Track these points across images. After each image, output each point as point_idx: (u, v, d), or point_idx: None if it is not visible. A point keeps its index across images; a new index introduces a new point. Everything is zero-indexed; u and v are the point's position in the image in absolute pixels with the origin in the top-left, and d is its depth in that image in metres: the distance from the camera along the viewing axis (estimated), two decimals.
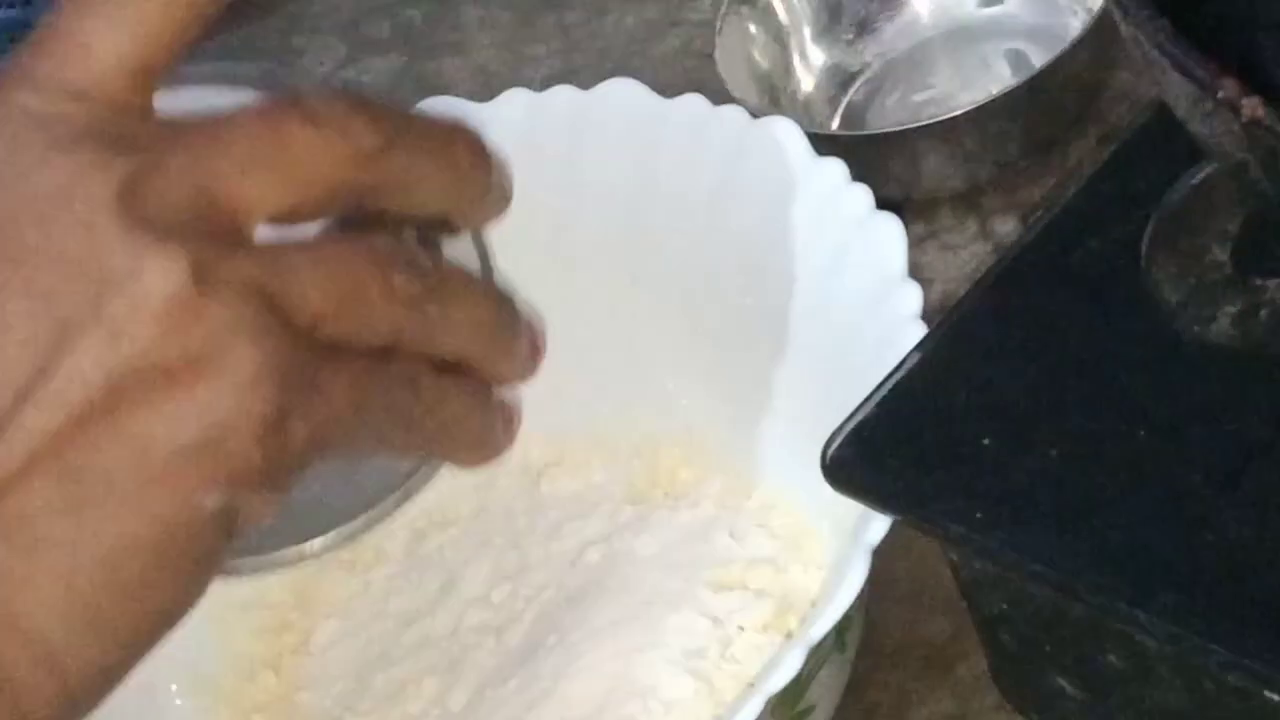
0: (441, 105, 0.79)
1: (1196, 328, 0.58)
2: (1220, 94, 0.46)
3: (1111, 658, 0.60)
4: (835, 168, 0.72)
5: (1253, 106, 0.46)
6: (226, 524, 0.43)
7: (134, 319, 0.41)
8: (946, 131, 0.83)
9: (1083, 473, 0.58)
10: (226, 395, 0.41)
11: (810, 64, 0.93)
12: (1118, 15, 0.50)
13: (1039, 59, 0.87)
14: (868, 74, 0.93)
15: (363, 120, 0.44)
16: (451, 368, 0.48)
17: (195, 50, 0.46)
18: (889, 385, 0.62)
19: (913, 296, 0.67)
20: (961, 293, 0.66)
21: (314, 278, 0.43)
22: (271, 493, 0.43)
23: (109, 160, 0.42)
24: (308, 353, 0.43)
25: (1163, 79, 0.49)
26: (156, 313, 0.41)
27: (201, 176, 0.42)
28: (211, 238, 0.42)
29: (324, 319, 0.43)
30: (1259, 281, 0.57)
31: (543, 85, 0.80)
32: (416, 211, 0.47)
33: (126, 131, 0.43)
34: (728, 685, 0.69)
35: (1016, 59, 0.90)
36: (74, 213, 0.42)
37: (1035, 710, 0.67)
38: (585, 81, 0.78)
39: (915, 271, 0.69)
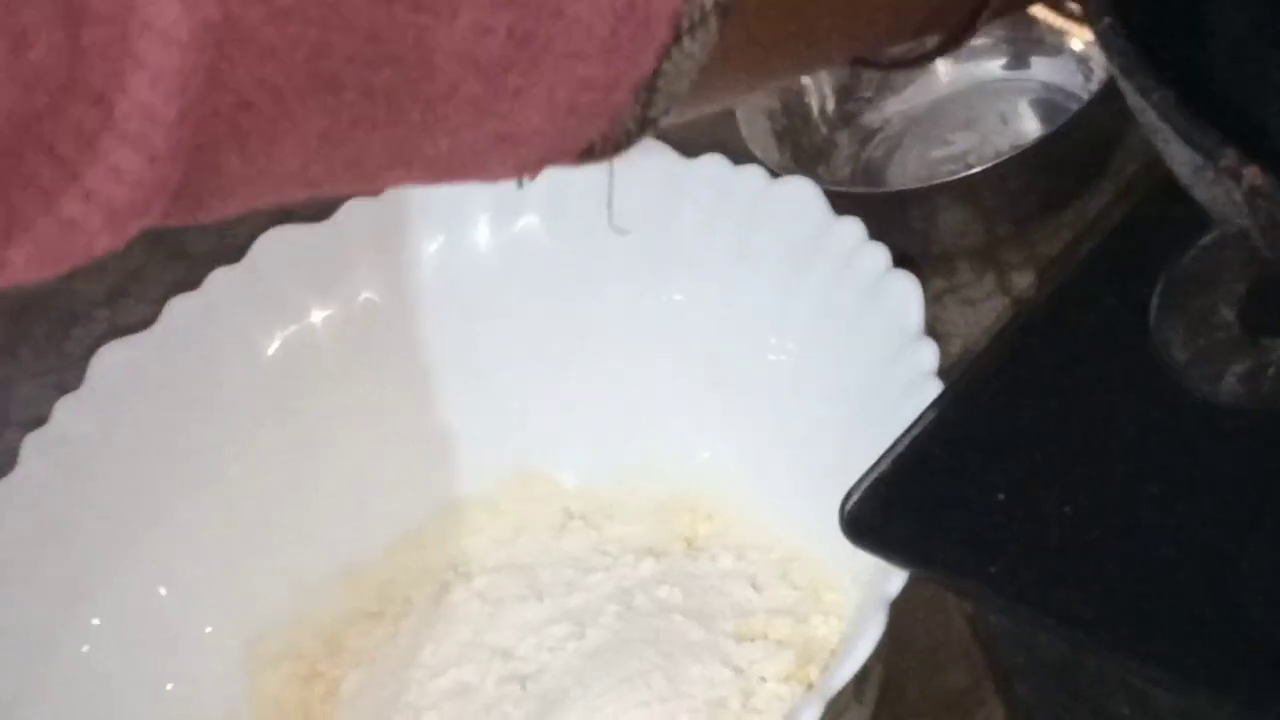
0: None
1: (1205, 387, 0.58)
2: (1221, 163, 0.47)
3: (1126, 710, 0.61)
4: (853, 227, 0.73)
5: (1253, 175, 0.47)
6: None
7: None
8: (965, 188, 0.84)
9: (1095, 528, 0.59)
10: None
11: (830, 120, 0.94)
12: (1121, 84, 0.51)
13: (1057, 117, 0.89)
14: (887, 131, 0.94)
15: None
16: None
17: None
18: (906, 441, 0.63)
19: (929, 353, 0.68)
20: (981, 346, 0.67)
21: None
22: None
23: None
24: None
25: (1166, 148, 0.50)
26: None
27: None
28: None
29: None
30: (1266, 341, 0.58)
31: None
32: None
33: None
34: None
35: (1034, 116, 0.91)
36: None
37: None
38: None
39: (934, 326, 0.70)
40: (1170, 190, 0.65)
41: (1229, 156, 0.47)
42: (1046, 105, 0.91)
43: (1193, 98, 0.50)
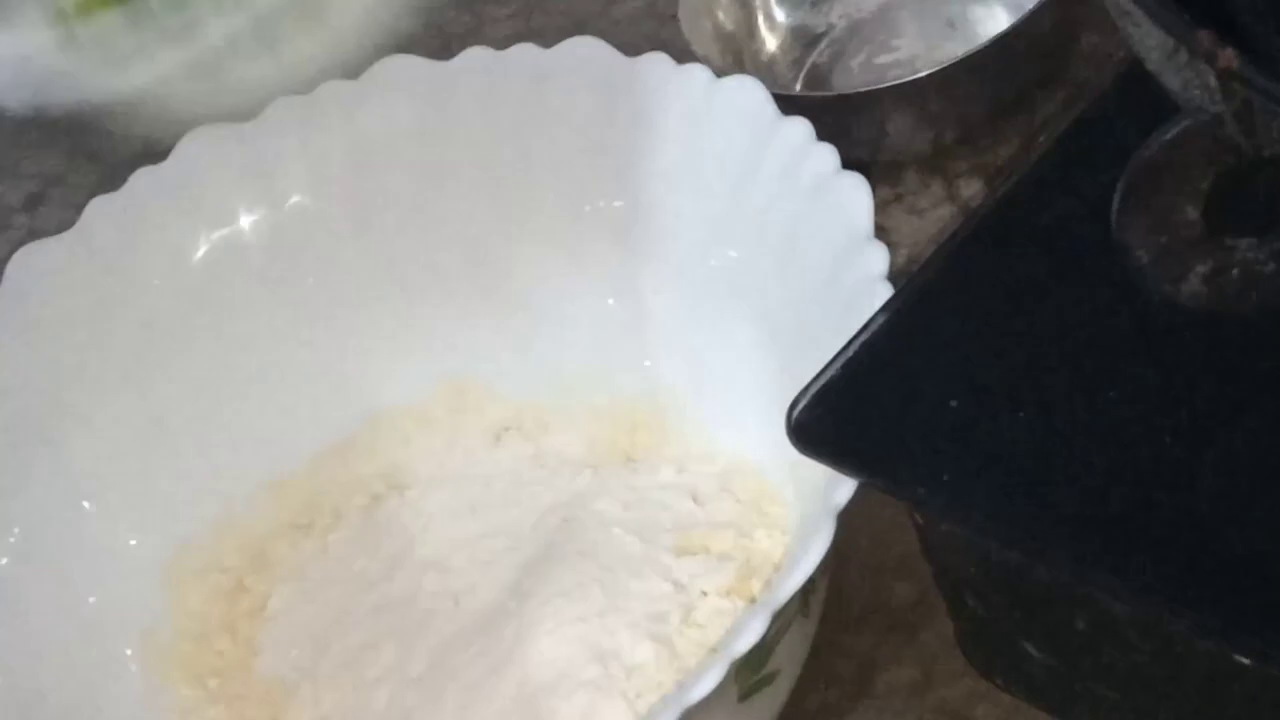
0: (401, 64, 0.78)
1: (1167, 287, 0.57)
2: (1195, 46, 0.46)
3: (1079, 622, 0.59)
4: (800, 127, 0.71)
5: (1228, 58, 0.45)
6: None
7: None
8: (912, 93, 0.82)
9: (1050, 435, 0.57)
10: None
11: (774, 25, 0.92)
12: None
13: (1005, 20, 0.87)
14: (832, 35, 0.92)
15: None
16: None
17: None
18: (855, 347, 0.61)
19: (879, 256, 0.66)
20: (928, 256, 0.66)
21: None
22: None
23: None
24: None
25: (1136, 32, 0.48)
26: None
27: None
28: None
29: None
30: (1230, 241, 0.57)
31: (503, 46, 0.78)
32: None
33: None
34: (690, 650, 0.68)
35: (983, 20, 0.89)
36: None
37: (1001, 675, 0.67)
38: (548, 41, 0.77)
39: (881, 235, 0.68)
40: (1127, 89, 0.64)
41: (1204, 40, 0.46)
42: (996, 8, 0.89)
43: None
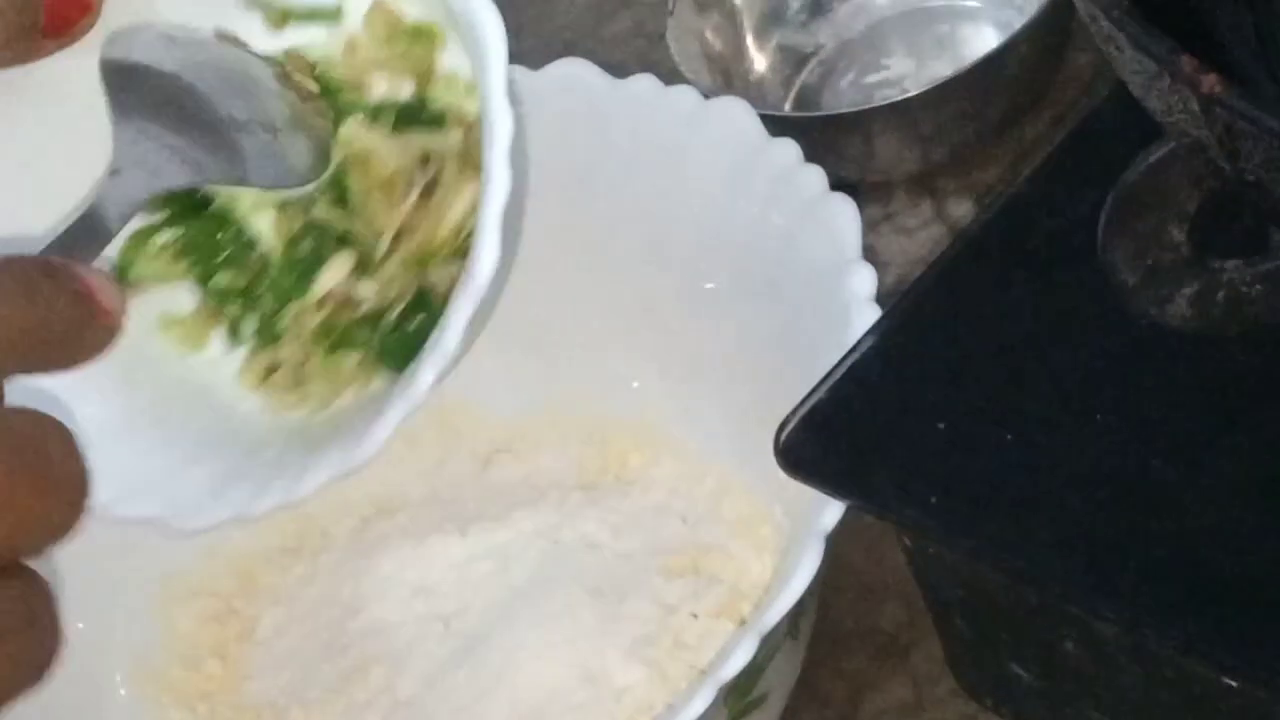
0: None
1: (1153, 310, 0.57)
2: (1178, 70, 0.45)
3: (1068, 644, 0.59)
4: (788, 148, 0.71)
5: (1210, 83, 0.45)
6: None
7: None
8: (901, 113, 0.83)
9: (1038, 457, 0.57)
10: None
11: (763, 45, 0.92)
12: None
13: (994, 40, 0.87)
14: (821, 55, 0.92)
15: None
16: None
17: None
18: (843, 369, 0.61)
19: (867, 278, 0.66)
20: (916, 276, 0.66)
21: None
22: None
23: None
24: None
25: (1119, 57, 0.48)
26: None
27: None
28: None
29: None
30: (1216, 263, 0.57)
31: None
32: None
33: None
34: (680, 673, 0.68)
35: (971, 40, 0.89)
36: None
37: (991, 697, 0.66)
38: (535, 62, 0.77)
39: (870, 255, 0.68)
40: (1114, 110, 0.64)
41: (1186, 64, 0.45)
42: (985, 29, 0.89)
43: (1145, 5, 0.48)
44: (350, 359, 0.58)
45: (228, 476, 0.55)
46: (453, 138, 0.58)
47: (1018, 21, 0.84)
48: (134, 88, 0.54)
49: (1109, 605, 0.54)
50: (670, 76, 0.77)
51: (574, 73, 0.76)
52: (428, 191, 0.58)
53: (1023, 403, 0.59)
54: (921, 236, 0.84)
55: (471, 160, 0.57)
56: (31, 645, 0.39)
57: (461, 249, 0.57)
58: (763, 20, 0.92)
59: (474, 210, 0.55)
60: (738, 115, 0.72)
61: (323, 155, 0.56)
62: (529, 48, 0.99)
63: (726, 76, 0.90)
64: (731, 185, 0.72)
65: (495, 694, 0.70)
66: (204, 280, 0.58)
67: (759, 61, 0.91)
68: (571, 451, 0.77)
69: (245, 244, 0.59)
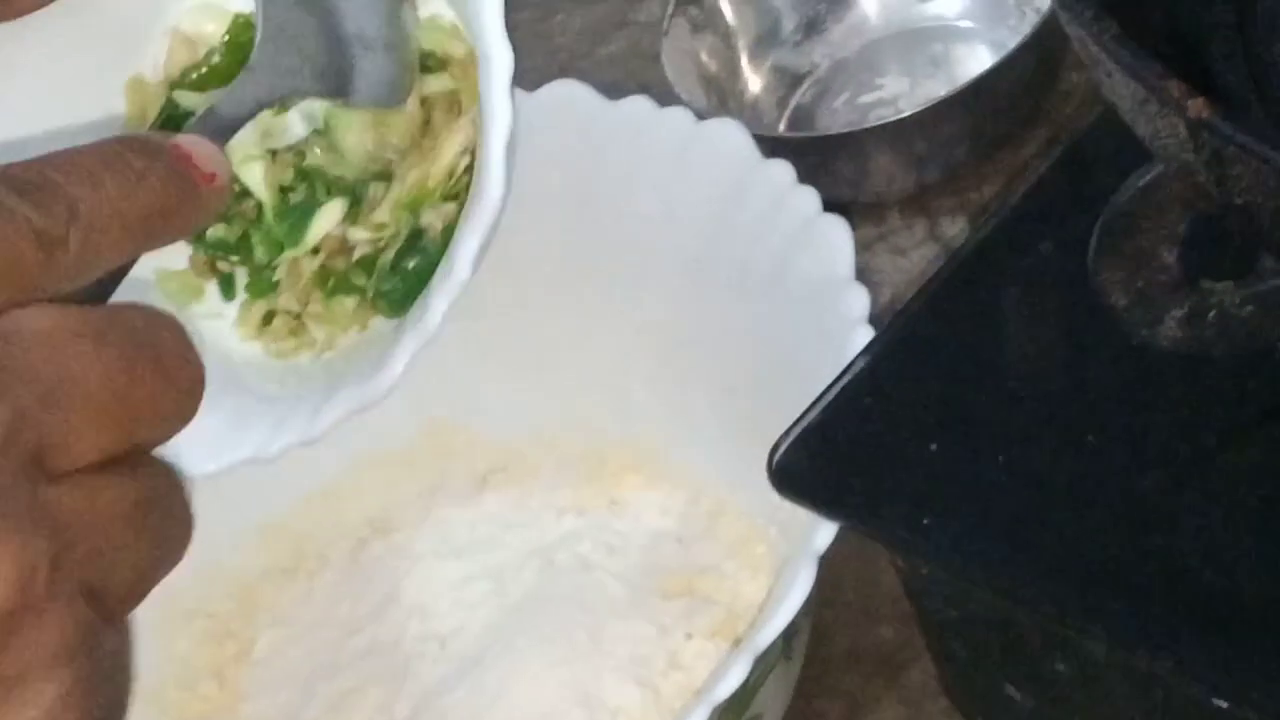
0: None
1: (1144, 331, 0.57)
2: (1166, 95, 0.46)
3: (1060, 665, 0.59)
4: (782, 169, 0.71)
5: (1198, 108, 0.45)
6: None
7: None
8: (895, 133, 0.83)
9: (1030, 478, 0.57)
10: None
11: (758, 65, 0.92)
12: (1063, 16, 0.49)
13: (988, 60, 0.87)
14: (816, 75, 0.92)
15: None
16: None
17: None
18: (836, 390, 0.61)
19: (860, 299, 0.66)
20: (911, 295, 0.66)
21: (131, 550, 0.38)
22: None
23: None
24: (112, 649, 0.38)
25: (1108, 80, 0.49)
26: None
27: (46, 433, 0.36)
28: (44, 521, 0.36)
29: (134, 596, 0.38)
30: (1206, 284, 0.57)
31: None
32: None
33: None
34: (674, 693, 0.68)
35: (965, 60, 0.89)
36: None
37: (984, 717, 0.67)
38: (531, 83, 0.77)
39: (864, 274, 0.68)
40: (1106, 131, 0.64)
41: (1174, 89, 0.46)
42: (979, 48, 0.89)
43: (1134, 30, 0.48)
44: (348, 303, 0.59)
45: (240, 420, 0.56)
46: (441, 81, 0.58)
47: (1011, 41, 0.84)
48: None
49: (1101, 626, 0.55)
50: (665, 97, 0.77)
51: (569, 94, 0.76)
52: (418, 135, 0.59)
53: (1014, 424, 0.59)
54: (915, 256, 0.84)
55: (458, 103, 0.58)
56: (171, 526, 0.39)
57: (453, 191, 0.58)
58: (757, 41, 0.92)
59: (464, 152, 0.57)
60: (732, 136, 0.72)
61: (410, 76, 0.57)
62: (525, 69, 0.98)
63: (721, 97, 0.90)
64: (725, 206, 0.72)
65: (491, 714, 0.70)
66: (197, 234, 0.59)
67: (754, 82, 0.92)
68: (566, 473, 0.78)
69: (238, 195, 0.59)
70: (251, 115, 0.52)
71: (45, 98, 0.58)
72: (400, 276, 0.58)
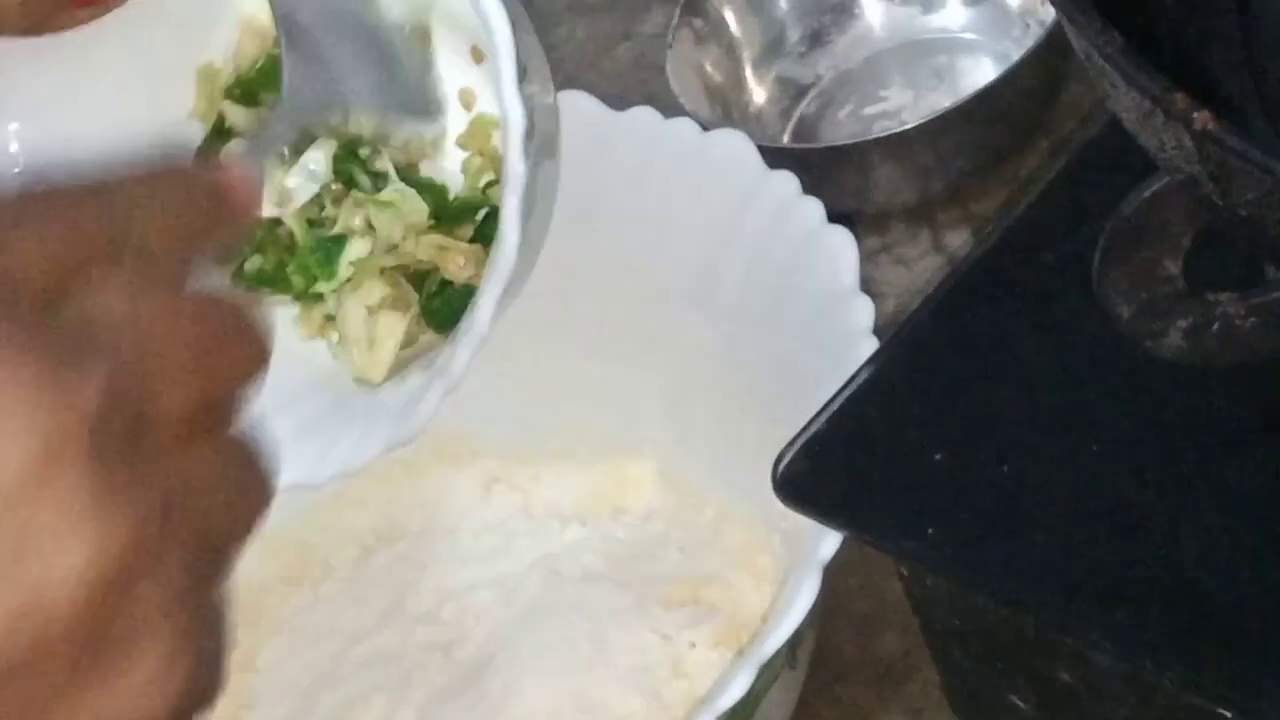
0: None
1: (1148, 342, 0.57)
2: (1170, 108, 0.46)
3: (1065, 675, 0.60)
4: (787, 180, 0.71)
5: (1203, 120, 0.45)
6: None
7: (55, 588, 0.35)
8: (899, 145, 0.83)
9: (1034, 488, 0.58)
10: (138, 691, 0.36)
11: (762, 77, 0.92)
12: (1068, 29, 0.49)
13: (991, 72, 0.87)
14: (820, 86, 0.92)
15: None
16: None
17: None
18: (840, 400, 0.61)
19: (865, 310, 0.66)
20: (915, 306, 0.66)
21: (228, 507, 0.38)
22: None
23: None
24: (216, 603, 0.38)
25: (1113, 92, 0.49)
26: (83, 585, 0.35)
27: (144, 397, 0.37)
28: (150, 481, 0.36)
29: (232, 548, 0.39)
30: (1211, 295, 0.57)
31: None
32: None
33: None
34: (678, 702, 0.68)
35: (969, 72, 0.90)
36: None
37: None
38: None
39: (868, 285, 0.69)
40: (1110, 142, 0.64)
41: (1179, 101, 0.46)
42: (983, 60, 0.90)
43: (1139, 42, 0.48)
44: (398, 320, 0.60)
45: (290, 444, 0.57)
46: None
47: (1015, 53, 0.85)
48: (302, 24, 0.56)
49: (1105, 636, 0.55)
50: (670, 108, 0.78)
51: (574, 104, 0.76)
52: None
53: (1019, 434, 0.59)
54: (919, 267, 0.84)
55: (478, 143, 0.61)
56: (254, 481, 0.40)
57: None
58: (762, 52, 0.92)
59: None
60: (737, 147, 0.73)
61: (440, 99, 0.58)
62: None
63: (725, 108, 0.90)
64: (730, 217, 0.72)
65: None
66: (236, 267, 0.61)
67: (758, 93, 0.92)
68: (570, 482, 0.78)
69: (271, 224, 0.62)
70: (291, 139, 0.53)
71: (127, 95, 0.59)
72: (444, 299, 0.61)
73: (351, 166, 0.62)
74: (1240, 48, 0.56)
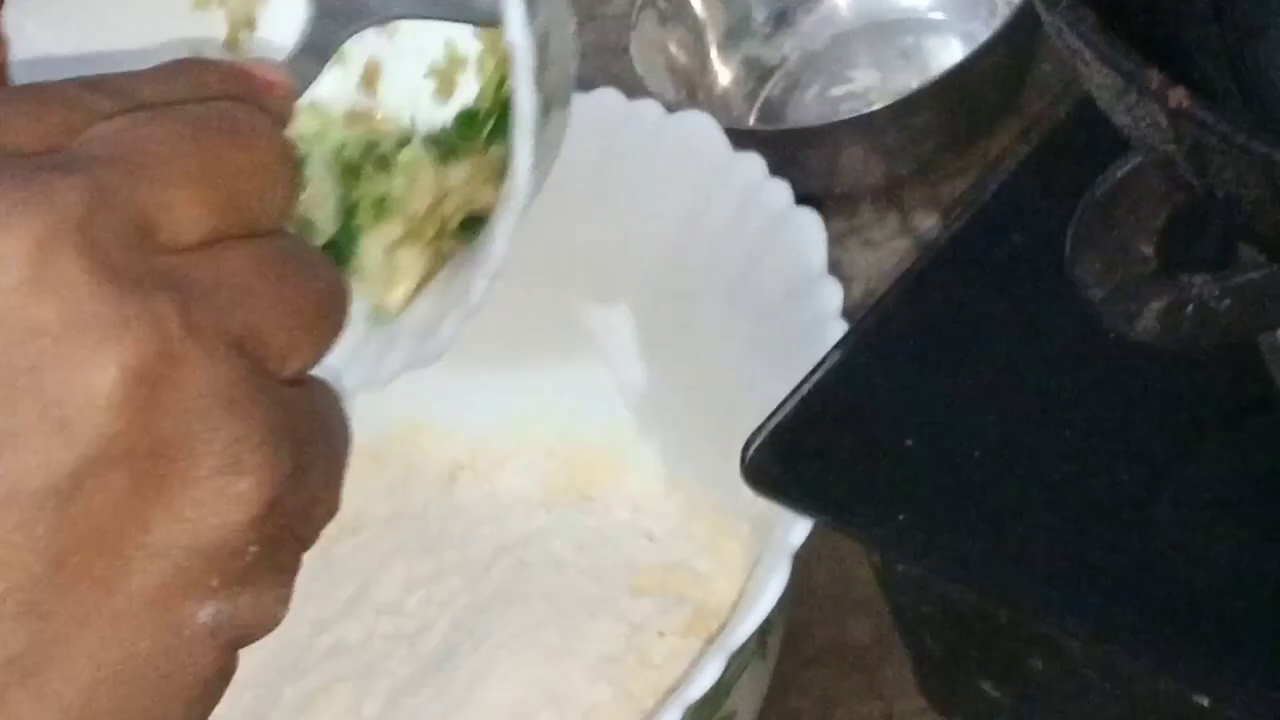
0: None
1: (1122, 324, 0.56)
2: (1145, 85, 0.45)
3: (1037, 662, 0.59)
4: (753, 163, 0.70)
5: (1179, 97, 0.44)
6: (228, 636, 0.37)
7: (86, 405, 0.34)
8: (866, 126, 0.82)
9: (1006, 474, 0.57)
10: (209, 486, 0.35)
11: (727, 58, 0.91)
12: (1040, 6, 0.49)
13: (959, 52, 0.86)
14: (786, 67, 0.91)
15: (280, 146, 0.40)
16: None
17: None
18: (809, 385, 0.61)
19: (833, 293, 0.66)
20: (884, 289, 0.65)
21: (274, 303, 0.37)
22: (277, 587, 0.38)
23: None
24: (288, 400, 0.37)
25: (1086, 70, 0.48)
26: (115, 395, 0.34)
27: (141, 204, 0.36)
28: (165, 283, 0.35)
29: (295, 351, 0.37)
30: (1185, 277, 0.56)
31: None
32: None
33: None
34: (646, 692, 0.67)
35: (937, 52, 0.89)
36: None
37: (960, 714, 0.66)
38: None
39: (836, 268, 0.68)
40: (1081, 122, 0.64)
41: (1153, 79, 0.45)
42: (950, 40, 0.89)
43: (1111, 21, 0.48)
44: (418, 254, 0.60)
45: None
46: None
47: (983, 33, 0.84)
48: None
49: (1078, 623, 0.54)
50: (634, 90, 0.77)
51: None
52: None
53: (990, 418, 0.58)
54: (888, 250, 0.83)
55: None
56: (314, 282, 0.39)
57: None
58: (727, 33, 0.91)
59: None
60: (702, 129, 0.72)
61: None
62: None
63: (690, 89, 0.89)
64: (696, 199, 0.71)
65: (461, 713, 0.69)
66: None
67: (723, 75, 0.91)
68: (536, 469, 0.77)
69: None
70: (334, 51, 0.53)
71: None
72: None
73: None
74: (1214, 24, 0.55)
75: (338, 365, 0.56)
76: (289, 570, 0.39)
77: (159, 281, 0.35)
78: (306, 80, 0.51)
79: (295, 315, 0.38)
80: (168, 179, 0.36)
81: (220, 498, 0.35)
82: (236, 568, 0.36)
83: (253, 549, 0.36)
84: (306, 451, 0.38)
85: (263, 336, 0.37)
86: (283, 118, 0.43)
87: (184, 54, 0.43)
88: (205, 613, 0.36)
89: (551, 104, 0.56)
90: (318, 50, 0.52)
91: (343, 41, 0.54)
